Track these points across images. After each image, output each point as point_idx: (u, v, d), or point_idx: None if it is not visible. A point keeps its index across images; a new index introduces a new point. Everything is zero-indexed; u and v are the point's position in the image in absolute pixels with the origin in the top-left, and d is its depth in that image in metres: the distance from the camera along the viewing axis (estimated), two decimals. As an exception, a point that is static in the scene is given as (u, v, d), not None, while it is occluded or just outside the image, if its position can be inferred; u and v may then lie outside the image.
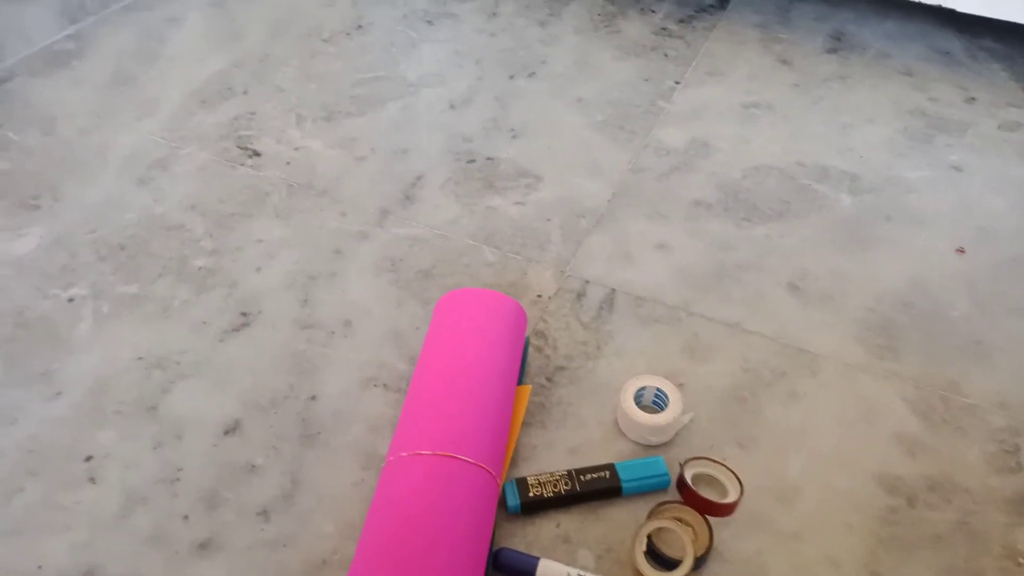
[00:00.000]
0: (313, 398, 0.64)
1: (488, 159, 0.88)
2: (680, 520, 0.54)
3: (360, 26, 1.10)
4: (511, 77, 1.01)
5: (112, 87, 0.98)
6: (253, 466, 0.60)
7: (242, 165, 0.87)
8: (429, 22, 1.11)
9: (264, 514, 0.57)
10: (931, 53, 1.06)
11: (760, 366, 0.67)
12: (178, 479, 0.59)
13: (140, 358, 0.67)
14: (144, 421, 0.63)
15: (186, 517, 0.57)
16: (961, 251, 0.77)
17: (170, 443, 0.61)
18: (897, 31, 1.10)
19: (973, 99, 0.98)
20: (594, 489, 0.56)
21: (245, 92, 0.98)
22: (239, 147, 0.89)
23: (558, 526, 0.56)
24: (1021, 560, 0.54)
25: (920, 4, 0.97)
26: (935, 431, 0.62)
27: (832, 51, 1.06)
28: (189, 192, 0.83)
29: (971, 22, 1.10)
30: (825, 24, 1.11)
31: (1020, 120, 0.94)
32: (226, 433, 0.62)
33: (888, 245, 0.78)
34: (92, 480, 0.59)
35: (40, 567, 0.54)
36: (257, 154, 0.88)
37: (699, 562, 0.52)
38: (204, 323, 0.70)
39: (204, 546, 0.55)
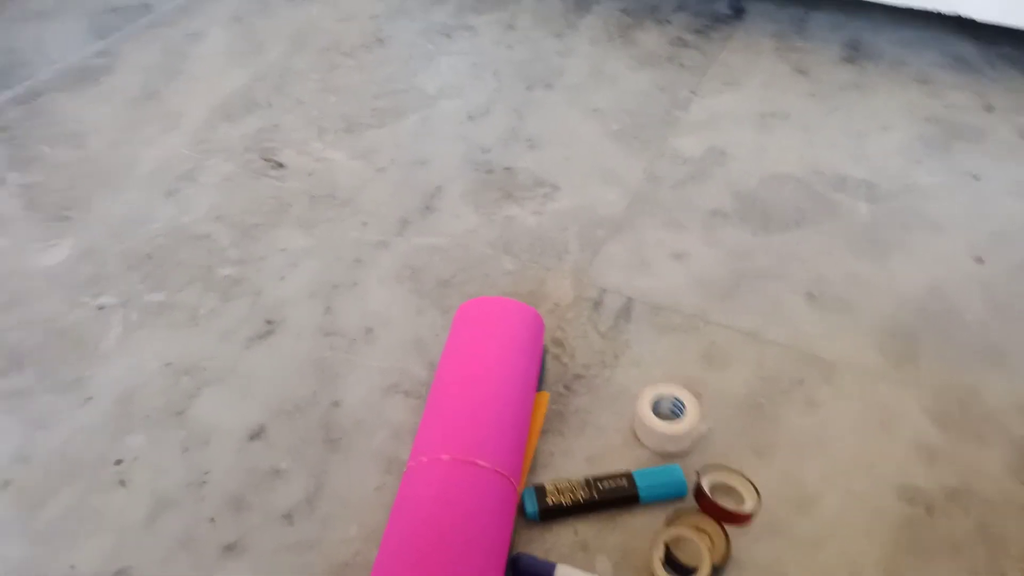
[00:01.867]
0: (336, 404, 0.66)
1: (506, 169, 0.90)
2: (697, 528, 0.55)
3: (380, 39, 1.12)
4: (528, 88, 1.02)
5: (139, 101, 1.00)
6: (278, 471, 0.61)
7: (266, 176, 0.89)
8: (447, 35, 1.13)
9: (288, 517, 0.58)
10: (947, 60, 1.06)
11: (777, 374, 0.67)
12: (205, 483, 0.60)
13: (168, 365, 0.69)
14: (172, 426, 0.64)
15: (213, 520, 0.58)
16: (980, 260, 0.77)
17: (197, 448, 0.63)
18: (913, 39, 1.10)
19: (990, 106, 0.97)
20: (612, 497, 0.57)
21: (268, 105, 1.00)
22: (263, 159, 0.91)
23: (576, 533, 0.57)
24: (1041, 568, 0.54)
25: (936, 12, 0.97)
26: (953, 438, 0.62)
27: (848, 60, 1.07)
28: (214, 203, 0.85)
29: (988, 29, 1.10)
30: (841, 33, 1.12)
31: (1039, 127, 0.94)
32: (251, 438, 0.63)
33: (905, 252, 0.79)
34: (122, 484, 0.60)
35: (73, 567, 0.55)
36: (280, 165, 0.90)
37: (716, 571, 0.53)
38: (230, 331, 0.72)
39: (230, 548, 0.56)
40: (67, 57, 1.07)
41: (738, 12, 1.17)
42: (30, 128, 0.96)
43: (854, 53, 1.08)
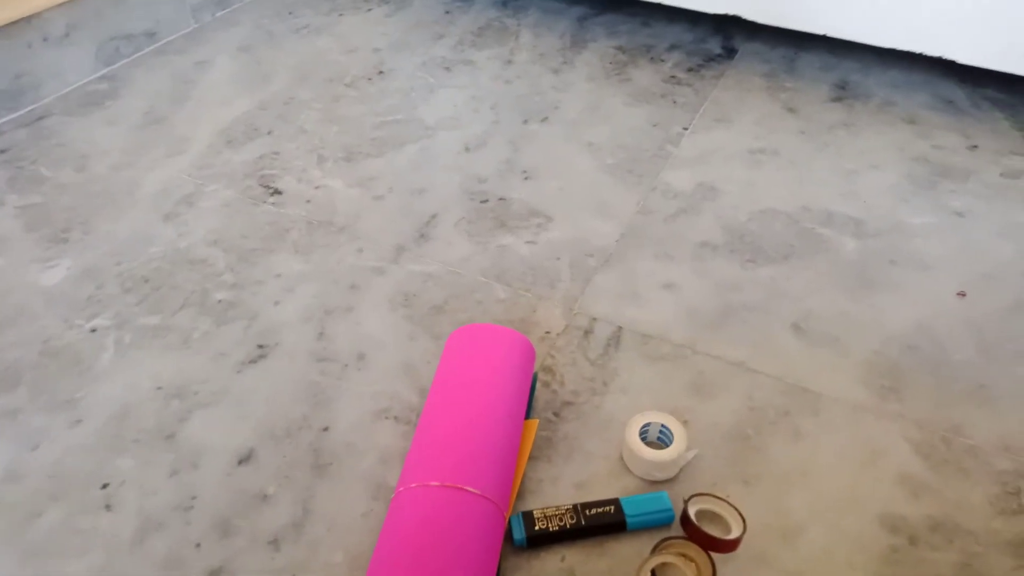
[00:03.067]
0: (326, 429, 0.66)
1: (501, 199, 0.91)
2: (684, 556, 0.55)
3: (381, 72, 1.15)
4: (525, 122, 1.04)
5: (143, 126, 1.02)
6: (266, 495, 0.61)
7: (264, 202, 0.90)
8: (447, 69, 1.15)
9: (275, 543, 0.58)
10: (934, 102, 1.08)
11: (765, 405, 0.68)
12: (192, 507, 0.60)
13: (160, 387, 0.69)
14: (162, 449, 0.65)
15: (199, 545, 0.58)
16: (962, 294, 0.78)
17: (186, 471, 0.63)
18: (901, 80, 1.13)
19: (976, 147, 1.00)
20: (599, 523, 0.57)
21: (270, 133, 1.02)
22: (262, 185, 0.93)
23: (563, 560, 0.57)
24: (1025, 603, 0.54)
25: (923, 55, 1.00)
26: (938, 473, 0.63)
27: (837, 99, 1.09)
28: (213, 227, 0.87)
29: (974, 72, 1.13)
30: (830, 73, 1.15)
31: (1023, 167, 0.96)
32: (240, 462, 0.64)
33: (893, 289, 0.80)
34: (109, 506, 0.61)
35: (57, 589, 0.55)
36: (279, 192, 0.92)
37: (702, 598, 0.53)
38: (223, 354, 0.72)
39: (215, 573, 0.56)
40: (74, 81, 1.10)
41: (730, 52, 1.20)
42: (33, 150, 0.97)
43: (843, 93, 1.10)
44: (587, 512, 0.58)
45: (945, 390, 0.69)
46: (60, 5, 1.04)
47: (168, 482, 0.62)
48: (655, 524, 0.58)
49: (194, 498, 0.61)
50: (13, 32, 1.00)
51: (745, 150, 0.99)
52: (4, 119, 1.02)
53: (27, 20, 1.01)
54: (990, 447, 0.65)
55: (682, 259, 0.83)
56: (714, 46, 1.21)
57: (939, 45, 0.98)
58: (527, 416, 0.65)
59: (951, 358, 0.73)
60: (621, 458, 0.63)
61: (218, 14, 1.28)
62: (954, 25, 0.96)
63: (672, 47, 1.21)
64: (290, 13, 1.30)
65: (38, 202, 0.90)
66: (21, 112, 1.04)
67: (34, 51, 1.03)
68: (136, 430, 0.66)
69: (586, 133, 1.02)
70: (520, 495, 0.61)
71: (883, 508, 0.60)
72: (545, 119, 1.05)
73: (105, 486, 0.62)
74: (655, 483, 0.61)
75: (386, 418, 0.67)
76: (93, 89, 1.09)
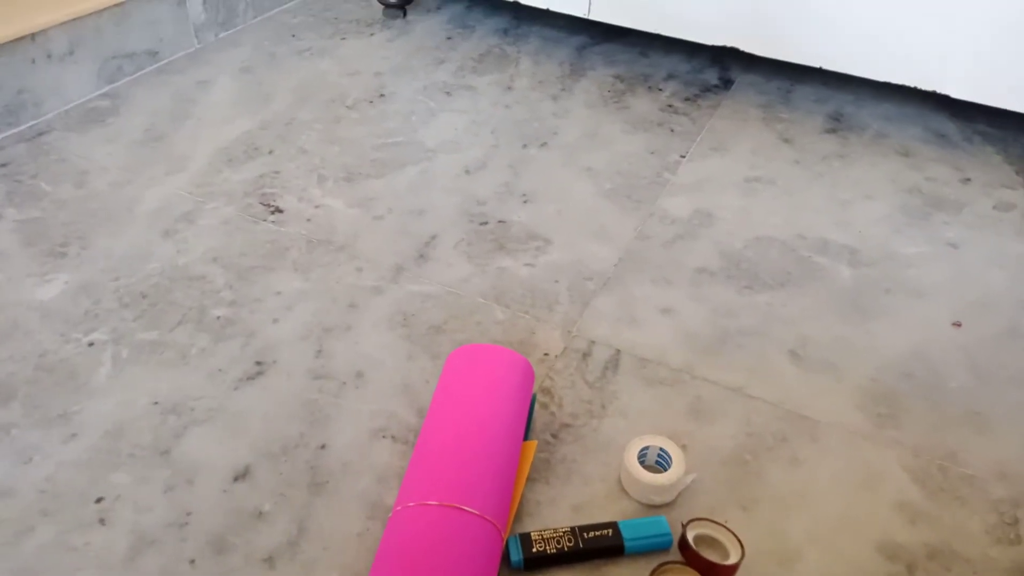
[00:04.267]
0: (323, 447, 0.66)
1: (500, 222, 0.92)
2: (682, 580, 0.55)
3: (382, 95, 1.16)
4: (524, 146, 1.06)
5: (144, 144, 1.03)
6: (261, 513, 0.61)
7: (264, 221, 0.90)
8: (448, 93, 1.17)
9: (270, 560, 0.57)
10: (927, 135, 1.10)
11: (762, 430, 0.68)
12: (187, 523, 0.60)
13: (156, 403, 0.69)
14: (157, 465, 0.64)
15: (193, 561, 0.57)
16: (957, 325, 0.79)
17: (181, 487, 0.62)
18: (894, 113, 1.15)
19: (968, 179, 1.01)
20: (597, 547, 0.57)
21: (270, 152, 1.02)
22: (262, 204, 0.93)
23: (560, 583, 0.56)
24: (1022, 632, 0.54)
25: (916, 89, 1.02)
26: (935, 500, 0.63)
27: (831, 131, 1.11)
28: (212, 245, 0.87)
29: (965, 107, 1.15)
30: (825, 106, 1.17)
31: (1014, 201, 0.98)
32: (236, 479, 0.63)
33: (888, 316, 0.81)
34: (102, 522, 0.60)
35: (47, 606, 0.54)
36: (279, 211, 0.92)
37: (700, 623, 0.53)
38: (220, 371, 0.72)
39: (209, 591, 0.56)
40: (75, 98, 1.10)
41: (727, 83, 1.22)
42: (32, 165, 0.97)
43: (838, 125, 1.12)
44: (585, 535, 0.57)
45: (941, 416, 0.70)
46: (64, 23, 1.05)
47: (163, 498, 0.61)
48: (653, 548, 0.58)
49: (189, 514, 0.60)
50: (16, 48, 1.01)
51: (741, 178, 1.01)
52: (5, 134, 1.03)
53: (31, 37, 1.02)
54: (986, 474, 0.65)
55: (679, 284, 0.84)
56: (711, 76, 1.24)
57: (932, 79, 1.00)
58: (526, 437, 0.65)
59: (946, 385, 0.73)
60: (619, 481, 0.63)
61: (221, 35, 1.30)
62: (947, 60, 0.98)
63: (670, 77, 1.23)
64: (293, 36, 1.31)
65: (37, 217, 0.89)
66: (22, 127, 1.04)
67: (37, 67, 1.04)
68: (131, 445, 0.65)
69: (584, 159, 1.03)
70: (518, 517, 0.60)
71: (881, 535, 0.60)
72: (544, 144, 1.06)
73: (99, 500, 0.61)
74: (653, 507, 0.61)
75: (383, 437, 0.67)
76: (94, 106, 1.10)
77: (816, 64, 1.06)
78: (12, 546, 0.58)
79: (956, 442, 0.68)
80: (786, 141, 1.08)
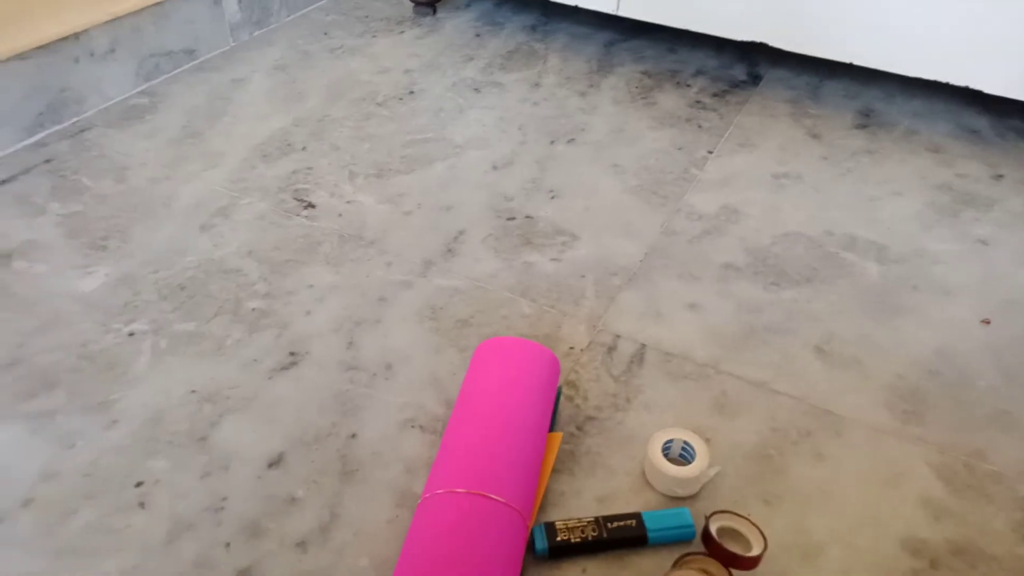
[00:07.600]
0: (353, 436, 0.67)
1: (527, 217, 0.93)
2: (704, 572, 0.55)
3: (412, 92, 1.18)
4: (551, 142, 1.06)
5: (181, 140, 1.06)
6: (294, 499, 0.63)
7: (297, 216, 0.93)
8: (476, 90, 1.18)
9: (302, 545, 0.59)
10: (959, 131, 1.09)
11: (787, 425, 0.68)
12: (223, 508, 0.62)
13: (193, 392, 0.71)
14: (194, 452, 0.66)
15: (228, 545, 0.59)
16: (986, 322, 0.79)
17: (217, 473, 0.65)
18: (925, 109, 1.14)
19: (1000, 176, 1.00)
20: (621, 537, 0.58)
21: (303, 149, 1.04)
22: (295, 199, 0.95)
23: (584, 572, 0.57)
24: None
25: (948, 84, 1.01)
26: (960, 497, 0.63)
27: (861, 126, 1.10)
28: (247, 239, 0.89)
29: (998, 102, 1.14)
30: (854, 101, 1.16)
31: (1048, 198, 0.96)
32: (270, 466, 0.65)
33: (915, 314, 0.80)
34: (142, 505, 0.62)
35: (92, 584, 0.57)
36: (312, 206, 0.94)
37: (722, 613, 0.53)
38: (255, 361, 0.74)
39: (244, 573, 0.58)
40: (115, 96, 1.13)
41: (755, 78, 1.22)
42: (75, 161, 1.00)
43: (867, 120, 1.11)
44: (609, 525, 0.58)
45: (967, 415, 0.70)
46: (104, 23, 1.09)
47: (199, 484, 0.64)
48: (676, 539, 0.59)
49: (224, 499, 0.63)
50: (60, 48, 1.04)
51: (769, 174, 1.00)
52: (49, 130, 1.06)
53: (74, 37, 1.05)
54: (1013, 473, 0.65)
55: (706, 280, 0.84)
56: (739, 72, 1.23)
57: (964, 74, 0.99)
58: (551, 429, 0.66)
59: (973, 383, 0.73)
60: (643, 474, 0.64)
61: (255, 33, 1.32)
62: (979, 55, 0.97)
63: (697, 72, 1.23)
64: (325, 34, 1.34)
65: (78, 211, 0.93)
66: (65, 124, 1.08)
67: (79, 66, 1.07)
68: (170, 432, 0.68)
69: (612, 155, 1.04)
70: (542, 507, 0.62)
71: (904, 531, 0.60)
72: (571, 140, 1.07)
73: (139, 484, 0.63)
74: (676, 499, 0.62)
75: (412, 427, 0.68)
76: (133, 104, 1.13)
77: (846, 60, 1.05)
78: (58, 526, 0.61)
79: (983, 440, 0.67)
80: (814, 137, 1.08)
